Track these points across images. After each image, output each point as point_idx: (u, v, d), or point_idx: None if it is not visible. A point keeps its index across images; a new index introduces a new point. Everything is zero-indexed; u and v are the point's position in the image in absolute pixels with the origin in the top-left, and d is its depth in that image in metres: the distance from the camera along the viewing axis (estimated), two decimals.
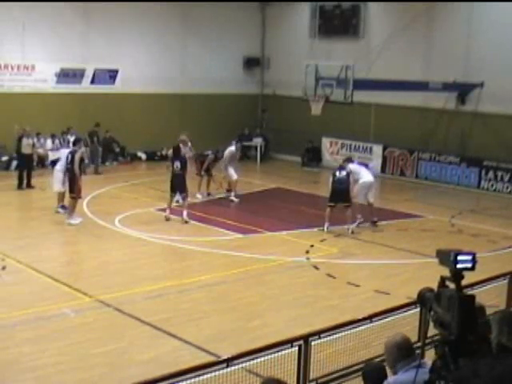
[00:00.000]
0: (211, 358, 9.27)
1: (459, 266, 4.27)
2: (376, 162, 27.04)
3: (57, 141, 27.96)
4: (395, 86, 28.29)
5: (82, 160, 19.03)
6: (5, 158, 26.94)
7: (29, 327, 11.52)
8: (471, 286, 8.67)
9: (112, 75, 29.90)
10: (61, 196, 19.00)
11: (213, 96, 31.84)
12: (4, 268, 14.47)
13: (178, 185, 18.97)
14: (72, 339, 11.08)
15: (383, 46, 29.30)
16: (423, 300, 4.57)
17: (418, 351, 6.24)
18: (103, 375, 9.86)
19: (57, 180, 19.02)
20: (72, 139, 28.18)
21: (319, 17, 31.63)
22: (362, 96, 30.11)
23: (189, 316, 12.32)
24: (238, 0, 32.10)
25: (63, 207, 18.79)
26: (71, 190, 18.35)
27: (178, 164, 19.10)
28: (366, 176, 19.38)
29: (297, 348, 8.29)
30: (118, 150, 29.37)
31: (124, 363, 10.19)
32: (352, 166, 19.38)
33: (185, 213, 18.68)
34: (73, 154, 18.60)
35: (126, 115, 29.42)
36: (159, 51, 30.78)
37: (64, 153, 19.38)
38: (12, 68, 27.32)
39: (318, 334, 8.54)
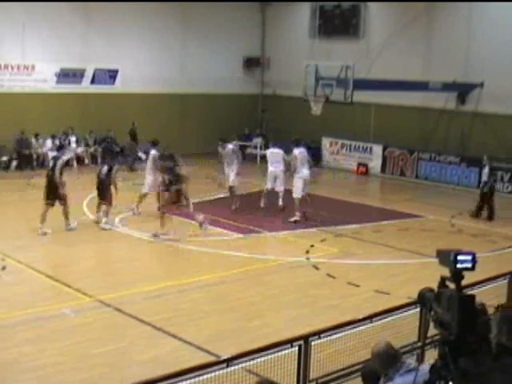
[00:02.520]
0: (211, 358, 9.27)
1: (459, 266, 4.27)
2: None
3: (57, 141, 27.99)
4: (395, 86, 28.27)
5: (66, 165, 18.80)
6: (5, 158, 26.94)
7: (29, 327, 11.51)
8: (471, 286, 8.66)
9: (112, 75, 29.91)
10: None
11: (213, 96, 31.86)
12: (4, 268, 14.46)
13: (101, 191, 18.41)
14: (72, 339, 11.08)
15: (383, 46, 29.33)
16: (423, 300, 4.57)
17: (417, 351, 6.27)
18: (103, 375, 9.85)
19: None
20: (74, 139, 28.41)
21: (319, 17, 31.66)
22: (362, 96, 30.03)
23: (189, 316, 12.32)
24: (238, 0, 32.10)
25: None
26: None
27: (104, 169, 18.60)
28: (305, 171, 19.53)
29: (297, 348, 8.28)
30: (117, 149, 29.36)
31: (124, 363, 10.19)
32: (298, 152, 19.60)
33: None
34: (55, 160, 18.18)
35: (125, 115, 29.39)
36: (159, 51, 30.80)
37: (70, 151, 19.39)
38: (12, 68, 27.33)
39: (318, 334, 8.53)
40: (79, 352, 10.54)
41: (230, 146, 20.79)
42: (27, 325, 11.61)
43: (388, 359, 5.93)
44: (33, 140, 27.52)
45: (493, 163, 22.11)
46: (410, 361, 5.73)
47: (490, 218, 20.77)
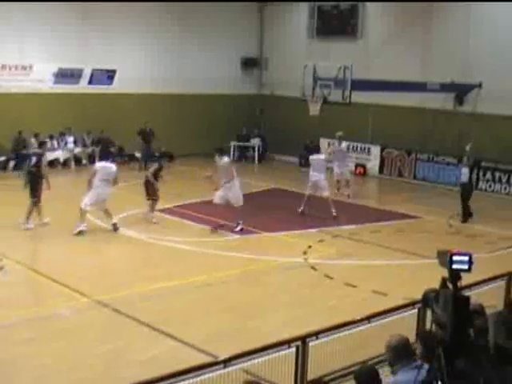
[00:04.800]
0: (209, 359, 9.26)
1: (455, 266, 4.28)
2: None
3: (55, 141, 27.99)
4: (393, 87, 28.31)
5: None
6: (2, 158, 26.91)
7: (26, 327, 11.51)
8: (469, 286, 8.67)
9: (110, 75, 29.89)
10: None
11: (210, 96, 31.84)
12: (1, 268, 14.45)
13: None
14: (69, 339, 11.08)
15: (381, 46, 29.35)
16: (426, 300, 4.59)
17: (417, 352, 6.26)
18: (101, 375, 9.85)
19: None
20: (71, 140, 28.41)
21: (317, 17, 31.67)
22: (360, 96, 30.12)
23: (186, 316, 12.32)
24: (236, 0, 32.10)
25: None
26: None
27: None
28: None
29: (294, 349, 8.29)
30: (114, 150, 29.31)
31: (122, 363, 10.19)
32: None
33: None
34: (39, 156, 18.71)
35: (123, 115, 29.38)
36: (157, 51, 30.76)
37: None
38: (10, 68, 27.29)
39: (316, 334, 8.54)
40: (77, 352, 10.54)
41: (226, 159, 19.28)
42: (25, 325, 11.61)
43: (401, 353, 5.94)
44: (32, 140, 27.48)
45: (472, 162, 21.32)
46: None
47: (465, 219, 20.39)
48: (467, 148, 20.87)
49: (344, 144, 24.35)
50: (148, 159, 27.13)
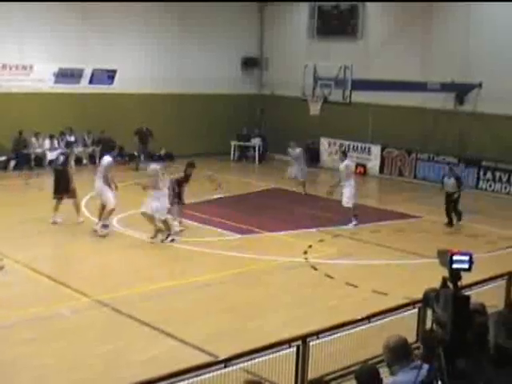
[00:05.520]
0: (209, 358, 9.27)
1: (455, 266, 4.29)
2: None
3: (55, 141, 28.02)
4: (393, 87, 28.31)
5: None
6: (2, 158, 26.94)
7: (27, 327, 11.49)
8: (469, 286, 8.68)
9: (110, 75, 29.90)
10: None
11: (211, 96, 31.84)
12: (2, 268, 14.46)
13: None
14: (70, 339, 11.08)
15: (381, 46, 29.35)
16: (427, 300, 4.59)
17: (416, 352, 6.25)
18: (101, 375, 9.85)
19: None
20: (72, 139, 28.42)
21: (317, 17, 31.68)
22: (360, 96, 30.12)
23: (187, 316, 12.33)
24: (236, 0, 32.10)
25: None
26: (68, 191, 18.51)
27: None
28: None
29: (295, 348, 8.29)
30: (115, 150, 29.30)
31: (122, 363, 10.19)
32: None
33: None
34: (66, 155, 18.98)
35: (123, 115, 29.39)
36: (157, 51, 30.76)
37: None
38: (10, 68, 27.31)
39: (316, 334, 8.54)
40: (77, 352, 10.54)
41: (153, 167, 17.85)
42: (25, 325, 11.59)
43: (399, 354, 5.93)
44: (33, 139, 27.55)
45: (458, 173, 21.32)
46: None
47: (451, 223, 20.07)
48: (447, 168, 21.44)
49: (298, 150, 24.35)
50: (145, 159, 27.14)
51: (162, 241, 16.99)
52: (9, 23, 26.71)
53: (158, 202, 16.85)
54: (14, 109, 26.87)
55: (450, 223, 20.03)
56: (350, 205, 19.29)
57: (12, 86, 27.09)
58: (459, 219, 20.14)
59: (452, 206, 20.05)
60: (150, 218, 16.96)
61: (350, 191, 19.31)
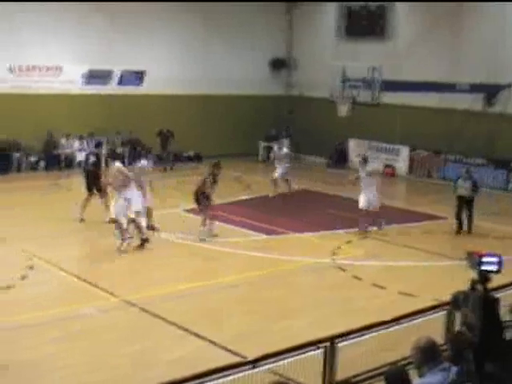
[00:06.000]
0: (235, 359, 9.27)
1: (483, 268, 4.26)
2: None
3: (84, 142, 28.25)
4: (422, 88, 28.15)
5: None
6: (33, 159, 27.17)
7: (54, 327, 11.57)
8: (498, 288, 8.61)
9: (138, 77, 30.06)
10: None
11: (238, 97, 31.87)
12: (32, 268, 14.58)
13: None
14: (97, 339, 11.15)
15: (410, 46, 29.16)
16: (455, 302, 4.57)
17: (444, 354, 6.21)
18: (128, 375, 9.89)
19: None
20: (101, 140, 28.63)
21: (346, 17, 31.58)
22: (388, 97, 29.98)
23: (214, 316, 12.35)
24: (264, 0, 32.09)
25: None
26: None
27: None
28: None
29: (322, 350, 8.27)
30: (143, 151, 29.44)
31: (149, 363, 10.21)
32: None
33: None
34: (97, 155, 19.50)
35: (151, 116, 29.54)
36: (185, 52, 30.90)
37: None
38: (40, 69, 27.56)
39: (344, 335, 8.52)
40: (104, 352, 10.60)
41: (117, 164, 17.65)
42: (53, 324, 11.68)
43: (428, 355, 5.90)
44: (62, 140, 27.79)
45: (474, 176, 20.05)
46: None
47: (461, 229, 19.13)
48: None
49: (285, 150, 24.18)
50: (171, 160, 27.38)
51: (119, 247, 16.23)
52: (38, 25, 26.99)
53: (135, 203, 16.67)
54: (43, 110, 27.12)
55: (459, 229, 19.06)
56: (377, 209, 19.04)
57: (41, 88, 27.34)
58: (470, 228, 19.06)
59: (465, 212, 19.03)
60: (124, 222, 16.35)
61: (374, 195, 18.96)
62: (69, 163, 27.64)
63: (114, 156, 19.04)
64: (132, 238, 16.57)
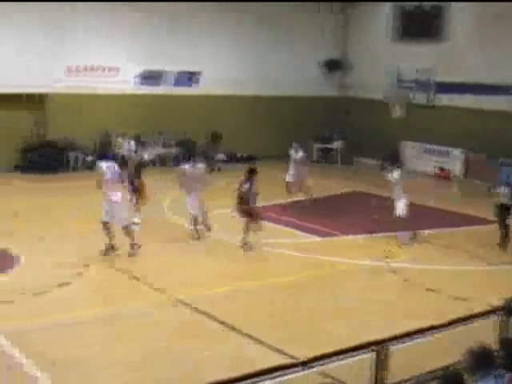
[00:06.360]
0: (284, 360, 9.29)
1: None
2: None
3: (139, 142, 28.52)
4: (478, 90, 27.78)
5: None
6: (90, 158, 27.53)
7: (104, 324, 11.75)
8: None
9: (193, 77, 30.25)
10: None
11: (290, 98, 31.84)
12: (85, 266, 14.79)
13: None
14: (147, 337, 11.26)
15: (467, 47, 28.77)
16: (509, 308, 4.53)
17: (498, 360, 6.16)
18: (176, 373, 9.96)
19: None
20: (156, 140, 28.93)
21: (400, 18, 31.30)
22: (444, 99, 29.65)
23: (263, 317, 12.37)
24: (318, 0, 32.02)
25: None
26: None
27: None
28: None
29: (373, 353, 8.24)
30: (195, 152, 29.63)
31: (198, 362, 10.26)
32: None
33: None
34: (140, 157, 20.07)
35: (205, 117, 29.72)
36: (238, 53, 31.00)
37: None
38: (96, 69, 27.94)
39: (396, 339, 8.47)
40: (153, 349, 10.69)
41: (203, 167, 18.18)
42: (103, 322, 11.85)
43: (482, 361, 5.85)
44: (119, 139, 28.10)
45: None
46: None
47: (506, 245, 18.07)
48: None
49: (300, 153, 22.53)
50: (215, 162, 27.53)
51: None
52: (94, 26, 27.36)
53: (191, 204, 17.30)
54: (99, 110, 27.52)
55: (505, 240, 17.96)
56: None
57: (98, 88, 27.71)
58: (507, 236, 18.04)
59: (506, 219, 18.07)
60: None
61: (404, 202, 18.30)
62: (125, 163, 27.85)
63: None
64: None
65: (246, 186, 16.84)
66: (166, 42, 29.06)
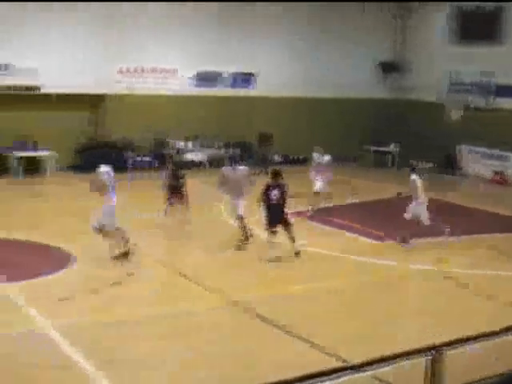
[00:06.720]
0: (337, 363, 9.23)
1: None
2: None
3: (195, 143, 28.77)
4: None
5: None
6: (147, 159, 27.79)
7: (158, 324, 11.79)
8: None
9: (249, 79, 30.32)
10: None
11: (345, 100, 31.67)
12: (139, 265, 14.91)
13: None
14: (199, 337, 11.27)
15: None
16: None
17: None
18: (229, 375, 9.94)
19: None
20: (211, 142, 29.07)
21: (459, 19, 30.84)
22: (503, 102, 29.14)
23: (317, 319, 12.30)
24: (374, 0, 31.81)
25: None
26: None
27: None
28: None
29: (429, 358, 8.12)
30: (249, 153, 29.70)
31: (251, 364, 10.23)
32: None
33: None
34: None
35: (261, 118, 29.78)
36: (294, 55, 30.96)
37: None
38: (152, 71, 28.21)
39: (452, 344, 8.34)
40: (205, 350, 10.69)
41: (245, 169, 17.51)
42: (157, 321, 11.90)
43: None
44: (175, 141, 28.35)
45: None
46: None
47: None
48: None
49: (326, 158, 20.84)
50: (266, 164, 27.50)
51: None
52: (151, 27, 27.67)
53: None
54: (156, 110, 27.78)
55: None
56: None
57: (155, 89, 28.01)
58: None
59: None
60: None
61: (423, 208, 17.76)
62: (183, 165, 28.05)
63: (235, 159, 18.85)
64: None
65: (275, 192, 15.99)
66: (222, 43, 29.20)
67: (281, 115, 30.43)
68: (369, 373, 7.68)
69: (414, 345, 8.40)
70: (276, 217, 15.95)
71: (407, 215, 17.67)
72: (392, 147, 32.19)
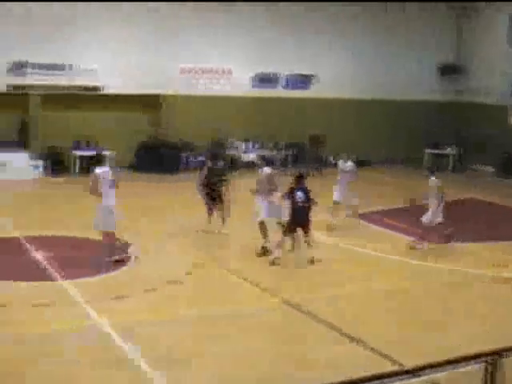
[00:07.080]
0: (388, 366, 9.18)
1: None
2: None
3: (250, 144, 28.87)
4: None
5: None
6: (201, 159, 27.98)
7: (213, 324, 11.84)
8: None
9: (306, 80, 30.33)
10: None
11: (405, 102, 31.50)
12: (196, 265, 15.02)
13: None
14: (254, 338, 11.31)
15: None
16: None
17: None
18: (282, 375, 9.95)
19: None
20: (267, 144, 29.12)
21: None
22: None
23: (371, 322, 12.25)
24: (434, 0, 31.51)
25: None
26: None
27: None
28: None
29: (484, 364, 8.03)
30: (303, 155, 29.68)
31: (303, 365, 10.23)
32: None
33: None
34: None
35: (320, 120, 29.77)
36: (350, 57, 30.96)
37: None
38: (210, 72, 28.44)
39: (508, 351, 8.23)
40: (260, 350, 10.74)
41: (268, 171, 16.86)
42: (212, 321, 11.96)
43: None
44: (230, 141, 28.50)
45: None
46: None
47: None
48: None
49: (349, 163, 19.62)
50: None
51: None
52: (207, 28, 27.92)
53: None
54: (212, 111, 28.00)
55: None
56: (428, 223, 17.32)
57: (211, 90, 28.23)
58: None
59: None
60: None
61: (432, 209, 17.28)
62: (240, 165, 28.22)
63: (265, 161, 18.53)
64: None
65: (300, 194, 15.54)
66: (280, 45, 29.32)
67: (338, 117, 30.37)
68: (422, 378, 7.64)
69: (465, 351, 8.33)
70: (300, 219, 15.56)
71: (438, 219, 17.20)
72: (449, 150, 31.81)
